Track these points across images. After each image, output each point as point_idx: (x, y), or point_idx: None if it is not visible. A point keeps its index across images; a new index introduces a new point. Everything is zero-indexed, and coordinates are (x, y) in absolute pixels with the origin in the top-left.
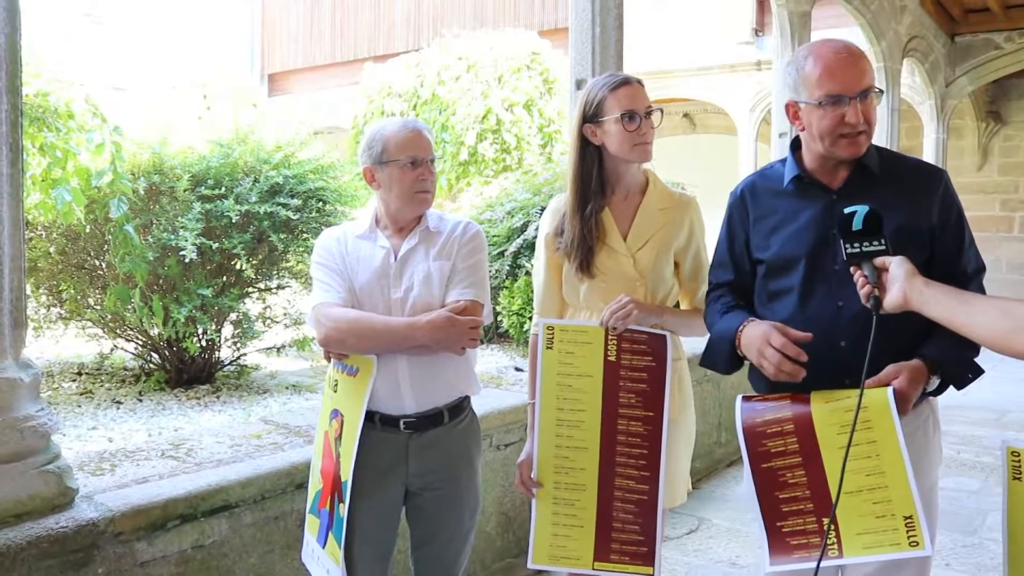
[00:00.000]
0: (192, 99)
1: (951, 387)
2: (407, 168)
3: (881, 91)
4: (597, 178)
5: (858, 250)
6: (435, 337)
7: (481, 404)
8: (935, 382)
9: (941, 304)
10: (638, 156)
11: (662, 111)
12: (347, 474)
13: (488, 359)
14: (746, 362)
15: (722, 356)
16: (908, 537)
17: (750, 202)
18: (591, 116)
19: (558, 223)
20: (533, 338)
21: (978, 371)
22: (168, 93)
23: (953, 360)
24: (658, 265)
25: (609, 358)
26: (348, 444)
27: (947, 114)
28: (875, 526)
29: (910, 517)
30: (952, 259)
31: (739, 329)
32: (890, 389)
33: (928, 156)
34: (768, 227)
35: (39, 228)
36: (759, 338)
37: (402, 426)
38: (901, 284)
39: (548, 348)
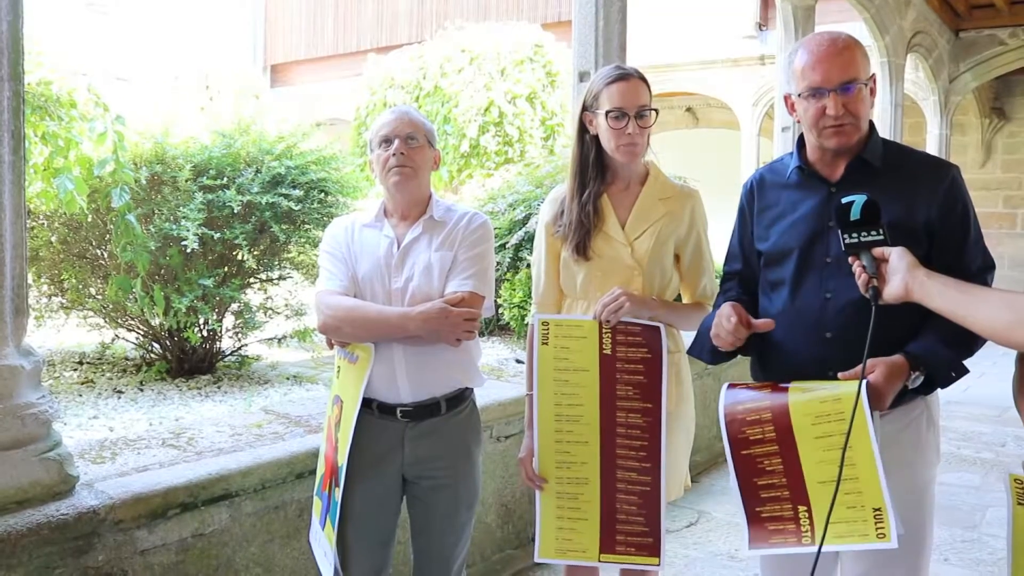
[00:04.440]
0: (195, 89)
1: (942, 386)
2: (381, 148)
3: (866, 84)
4: (595, 165)
5: (856, 240)
6: (428, 328)
7: (481, 396)
8: (919, 379)
9: (944, 296)
10: (621, 156)
11: (656, 111)
12: (342, 460)
13: (489, 351)
14: (748, 356)
15: (705, 346)
16: (876, 529)
17: (756, 194)
18: (589, 105)
19: (557, 210)
20: (531, 328)
21: (962, 371)
22: (171, 83)
23: (936, 359)
24: (656, 254)
25: (604, 351)
26: (345, 430)
27: (951, 110)
28: (846, 516)
29: (879, 509)
30: (954, 256)
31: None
32: (863, 382)
33: (931, 152)
34: (770, 218)
35: (41, 217)
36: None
37: (399, 414)
38: (903, 275)
39: (544, 344)
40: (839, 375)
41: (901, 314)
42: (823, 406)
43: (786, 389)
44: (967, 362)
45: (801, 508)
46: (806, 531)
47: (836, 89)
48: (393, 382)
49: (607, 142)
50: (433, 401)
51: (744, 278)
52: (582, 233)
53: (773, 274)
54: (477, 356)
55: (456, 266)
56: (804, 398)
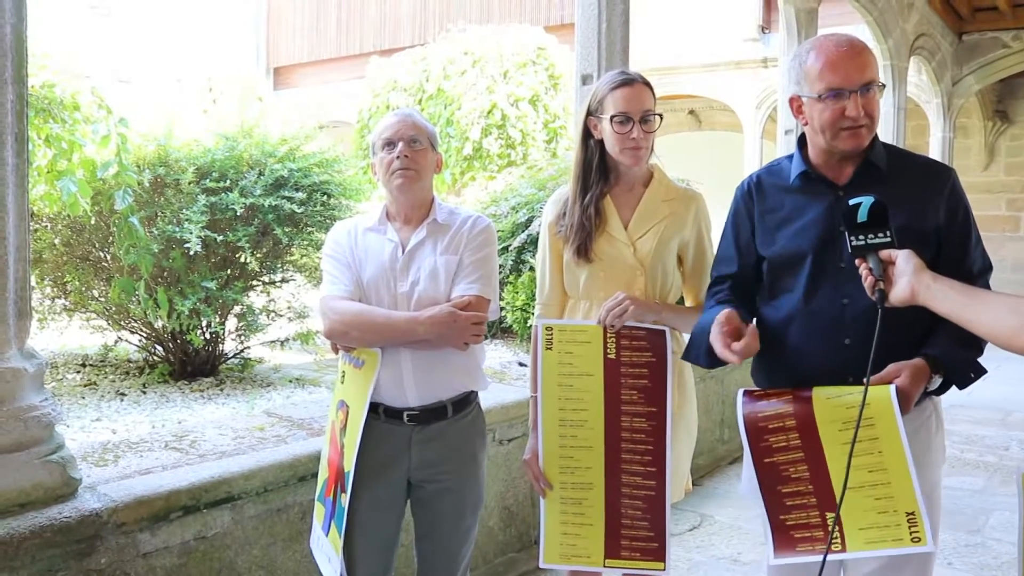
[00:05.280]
0: (198, 92)
1: (954, 387)
2: (385, 151)
3: (883, 85)
4: (598, 169)
5: (863, 242)
6: (436, 332)
7: (484, 399)
8: (937, 381)
9: (949, 299)
10: (626, 159)
11: (660, 116)
12: (349, 465)
13: (491, 354)
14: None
15: (701, 350)
16: (911, 533)
17: (756, 197)
18: (593, 110)
19: (560, 211)
20: (535, 329)
21: (980, 371)
22: (174, 86)
23: (955, 360)
24: (659, 255)
25: (609, 356)
26: (352, 435)
27: (954, 113)
28: (878, 521)
29: (912, 513)
30: (958, 259)
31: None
32: (892, 387)
33: (934, 155)
34: (774, 223)
35: (44, 219)
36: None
37: (405, 418)
38: (909, 278)
39: (548, 349)
40: (866, 380)
41: (917, 318)
42: (851, 412)
43: (808, 395)
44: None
45: (829, 515)
46: (836, 538)
47: (857, 90)
48: (400, 386)
49: (612, 146)
50: (440, 405)
51: (737, 281)
52: (583, 235)
53: (781, 280)
54: (482, 359)
55: (462, 270)
56: (830, 404)
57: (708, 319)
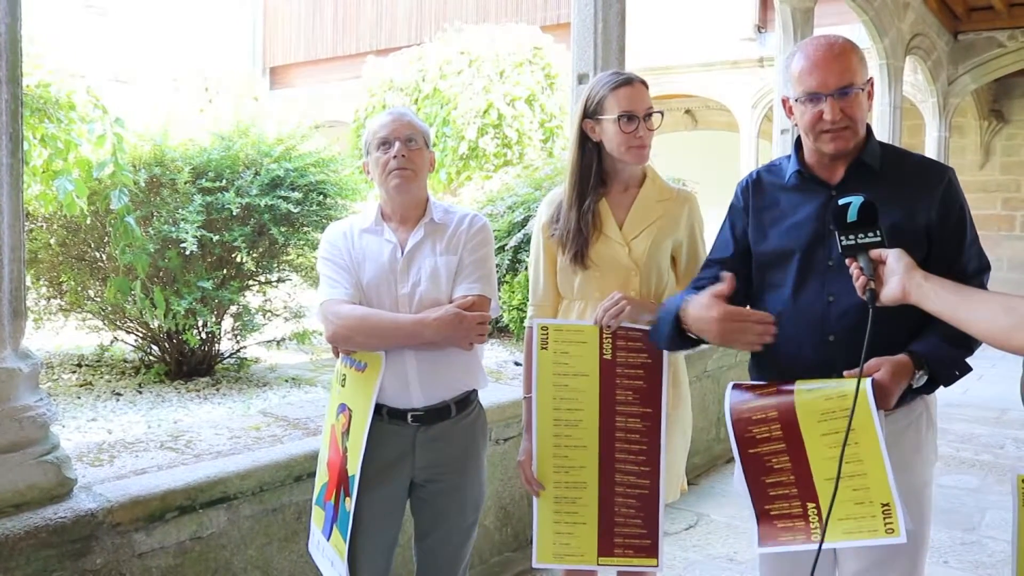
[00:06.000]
0: (194, 92)
1: (951, 386)
2: (380, 151)
3: (863, 88)
4: (596, 173)
5: (853, 242)
6: (443, 334)
7: (481, 398)
8: (922, 378)
9: (940, 298)
10: (633, 158)
11: (662, 113)
12: (355, 468)
13: (488, 353)
14: (745, 353)
15: (664, 333)
16: (885, 524)
17: (753, 193)
18: (591, 112)
19: (554, 212)
20: (529, 331)
21: (965, 369)
22: (170, 85)
23: (940, 357)
24: (653, 255)
25: (605, 356)
26: (356, 439)
27: (949, 112)
28: (854, 512)
29: (887, 505)
30: (952, 258)
31: (681, 308)
32: (868, 380)
33: (930, 154)
34: (768, 220)
35: (39, 219)
36: (714, 317)
37: (409, 419)
38: (900, 277)
39: (543, 348)
40: (844, 373)
41: (903, 316)
42: (829, 403)
43: (791, 388)
44: (968, 360)
45: (810, 505)
46: (815, 528)
47: (833, 94)
48: (405, 387)
49: (616, 146)
50: (443, 404)
51: (728, 267)
52: (580, 242)
53: (770, 277)
54: (481, 357)
55: (462, 270)
56: (809, 396)
57: (672, 304)
